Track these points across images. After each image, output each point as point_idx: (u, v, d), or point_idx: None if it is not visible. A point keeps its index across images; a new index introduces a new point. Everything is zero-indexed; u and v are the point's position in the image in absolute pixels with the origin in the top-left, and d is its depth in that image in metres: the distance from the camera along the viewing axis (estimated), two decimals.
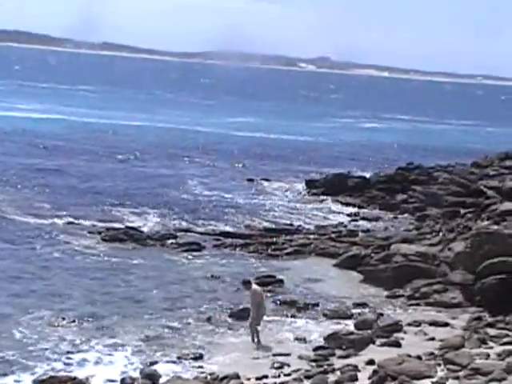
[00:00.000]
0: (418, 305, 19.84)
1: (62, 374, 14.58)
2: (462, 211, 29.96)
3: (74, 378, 14.22)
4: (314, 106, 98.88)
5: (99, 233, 25.49)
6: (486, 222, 23.63)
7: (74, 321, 17.26)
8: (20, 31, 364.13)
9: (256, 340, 16.65)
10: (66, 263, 22.14)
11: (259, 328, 16.86)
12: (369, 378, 14.02)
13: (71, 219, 26.92)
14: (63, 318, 17.33)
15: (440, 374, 14.17)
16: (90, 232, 25.60)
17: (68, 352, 15.66)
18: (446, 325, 18.01)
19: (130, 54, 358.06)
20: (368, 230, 28.58)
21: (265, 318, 17.29)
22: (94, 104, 74.37)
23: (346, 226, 29.21)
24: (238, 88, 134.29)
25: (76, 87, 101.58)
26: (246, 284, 17.37)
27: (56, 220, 26.69)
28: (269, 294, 19.72)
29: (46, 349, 15.76)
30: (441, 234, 25.58)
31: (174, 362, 15.51)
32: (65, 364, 15.19)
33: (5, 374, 14.63)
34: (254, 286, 17.20)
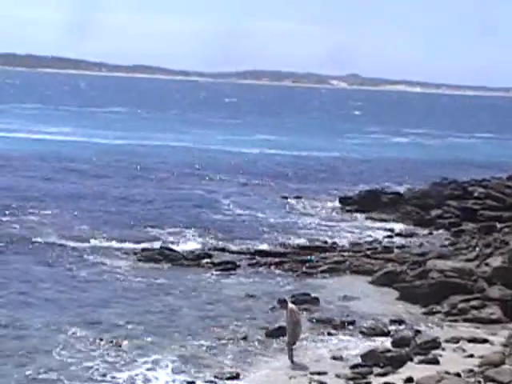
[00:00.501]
0: (455, 321, 19.61)
1: None
2: (499, 225, 29.62)
3: None
4: (344, 123, 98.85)
5: (135, 253, 25.73)
6: None
7: (111, 341, 17.39)
8: (55, 57, 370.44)
9: (289, 357, 16.57)
10: (103, 284, 22.35)
11: (294, 347, 16.80)
12: None
13: (107, 241, 27.20)
14: (101, 339, 17.48)
15: None
16: (125, 253, 25.84)
17: (106, 373, 15.77)
18: (485, 341, 17.78)
19: (165, 76, 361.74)
20: (403, 246, 28.40)
21: (301, 336, 17.24)
22: (125, 126, 75.32)
23: (380, 243, 29.06)
24: (268, 107, 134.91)
25: (107, 109, 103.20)
26: (282, 303, 17.33)
27: (92, 242, 26.98)
28: (304, 313, 19.67)
29: (85, 369, 15.89)
30: (477, 249, 25.29)
31: (210, 382, 15.53)
32: None
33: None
34: (291, 305, 17.13)
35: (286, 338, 16.95)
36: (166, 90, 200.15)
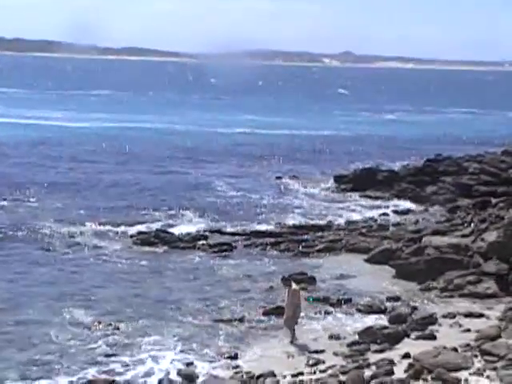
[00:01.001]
0: (451, 297, 19.72)
1: (101, 377, 14.76)
2: (494, 201, 29.68)
3: (113, 381, 14.40)
4: (331, 102, 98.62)
5: (131, 237, 25.74)
6: None
7: (110, 324, 17.46)
8: (43, 40, 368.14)
9: (291, 339, 16.62)
10: (99, 268, 22.40)
11: (295, 327, 16.85)
12: (405, 372, 13.99)
13: (102, 225, 27.17)
14: (99, 322, 17.55)
15: (477, 365, 14.09)
16: (121, 236, 25.86)
17: (106, 355, 15.85)
18: (482, 316, 17.89)
19: (155, 57, 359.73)
20: (399, 224, 28.45)
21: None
22: (112, 109, 75.00)
23: (376, 221, 29.11)
24: (258, 86, 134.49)
25: (95, 92, 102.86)
26: (286, 281, 17.17)
27: (88, 226, 26.96)
28: (301, 292, 19.74)
29: (84, 352, 15.98)
30: (473, 224, 25.38)
31: (210, 362, 15.63)
32: (103, 367, 15.36)
33: (45, 377, 14.88)
34: (294, 286, 17.05)
35: (284, 318, 16.92)
36: (155, 72, 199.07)
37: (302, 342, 16.67)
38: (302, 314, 17.78)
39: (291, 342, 16.55)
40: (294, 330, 16.74)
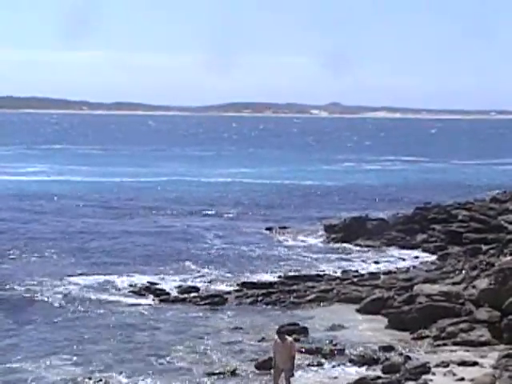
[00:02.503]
0: (445, 345, 19.60)
1: None
2: (484, 247, 29.80)
3: None
4: (323, 152, 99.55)
5: (121, 289, 25.59)
6: (508, 258, 23.46)
7: (100, 380, 17.22)
8: (36, 98, 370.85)
9: None
10: (90, 321, 22.21)
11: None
12: None
13: (92, 277, 27.05)
14: (89, 378, 17.30)
15: None
16: (112, 289, 25.69)
17: None
18: (475, 364, 17.79)
19: (146, 111, 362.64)
20: (390, 272, 28.44)
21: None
22: (104, 163, 75.54)
23: (367, 269, 29.09)
24: (250, 139, 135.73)
25: (88, 148, 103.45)
26: (281, 335, 16.43)
27: (77, 279, 26.81)
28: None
29: None
30: (464, 271, 25.39)
31: None
32: None
33: None
34: (290, 338, 16.57)
35: (276, 372, 16.35)
36: (145, 126, 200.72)
37: None
38: (295, 365, 17.55)
39: None
40: (290, 382, 16.39)
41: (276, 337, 16.64)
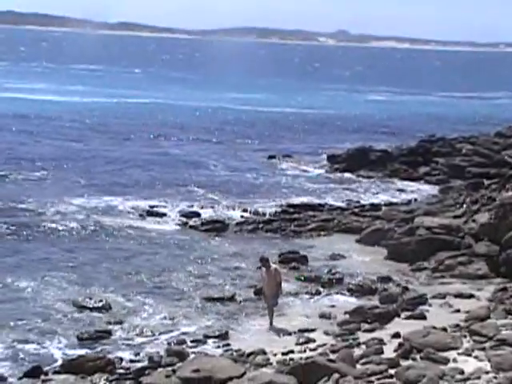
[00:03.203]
0: (442, 277, 19.78)
1: (91, 353, 14.77)
2: (486, 182, 29.73)
3: (103, 358, 14.41)
4: (328, 81, 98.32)
5: (124, 213, 25.70)
6: (510, 193, 23.42)
7: (101, 300, 17.45)
8: (38, 14, 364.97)
9: (270, 320, 16.29)
10: (92, 244, 22.40)
11: (275, 309, 16.48)
12: (394, 351, 14.04)
13: (95, 201, 27.15)
14: (90, 298, 17.54)
15: (466, 345, 14.15)
16: (114, 213, 25.81)
17: (96, 332, 15.85)
18: (471, 296, 17.95)
19: (150, 33, 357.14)
20: (391, 204, 28.48)
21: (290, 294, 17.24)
22: (99, 84, 74.68)
23: (368, 200, 29.13)
24: (253, 65, 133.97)
25: (84, 66, 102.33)
26: (265, 262, 16.35)
27: (81, 202, 26.89)
28: (293, 271, 19.77)
29: (75, 329, 15.98)
30: (465, 205, 25.42)
31: (200, 341, 15.64)
32: (93, 344, 15.38)
33: (36, 343, 15.02)
34: (274, 265, 16.67)
35: (266, 300, 16.40)
36: (148, 48, 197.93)
37: (292, 320, 16.71)
38: (294, 293, 17.81)
39: (271, 324, 16.29)
40: (273, 311, 16.31)
41: (260, 264, 16.65)
